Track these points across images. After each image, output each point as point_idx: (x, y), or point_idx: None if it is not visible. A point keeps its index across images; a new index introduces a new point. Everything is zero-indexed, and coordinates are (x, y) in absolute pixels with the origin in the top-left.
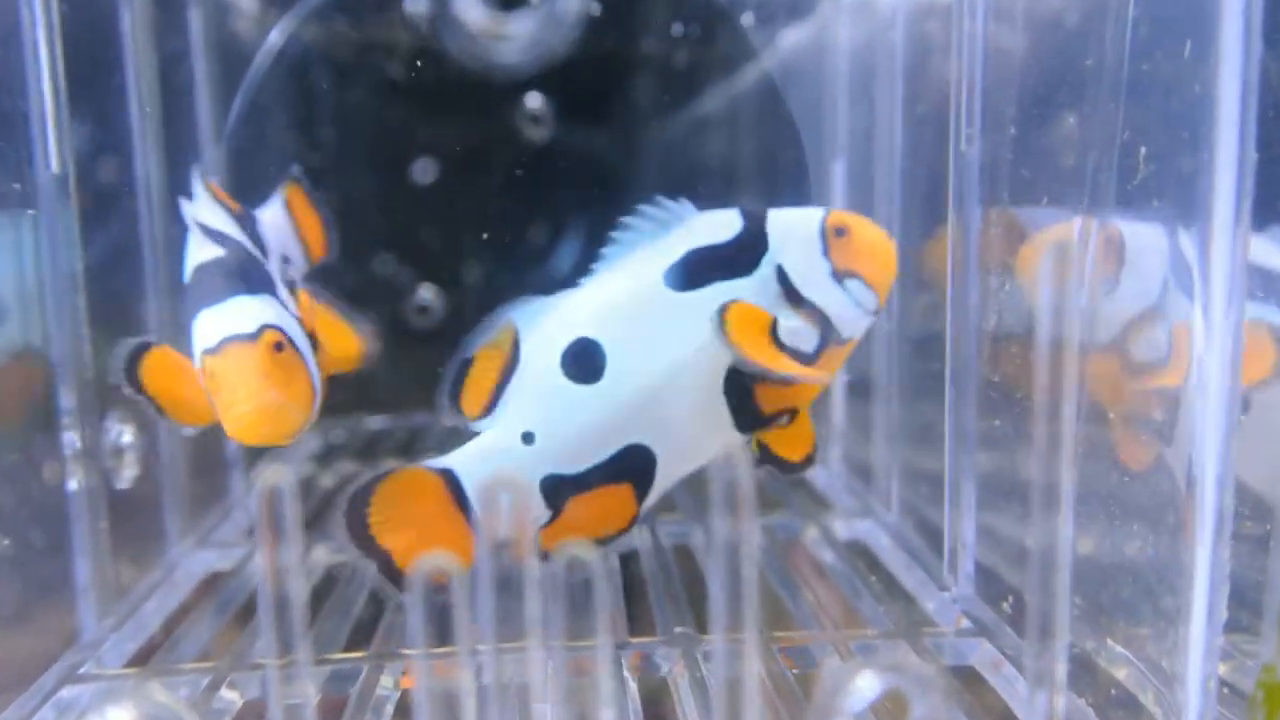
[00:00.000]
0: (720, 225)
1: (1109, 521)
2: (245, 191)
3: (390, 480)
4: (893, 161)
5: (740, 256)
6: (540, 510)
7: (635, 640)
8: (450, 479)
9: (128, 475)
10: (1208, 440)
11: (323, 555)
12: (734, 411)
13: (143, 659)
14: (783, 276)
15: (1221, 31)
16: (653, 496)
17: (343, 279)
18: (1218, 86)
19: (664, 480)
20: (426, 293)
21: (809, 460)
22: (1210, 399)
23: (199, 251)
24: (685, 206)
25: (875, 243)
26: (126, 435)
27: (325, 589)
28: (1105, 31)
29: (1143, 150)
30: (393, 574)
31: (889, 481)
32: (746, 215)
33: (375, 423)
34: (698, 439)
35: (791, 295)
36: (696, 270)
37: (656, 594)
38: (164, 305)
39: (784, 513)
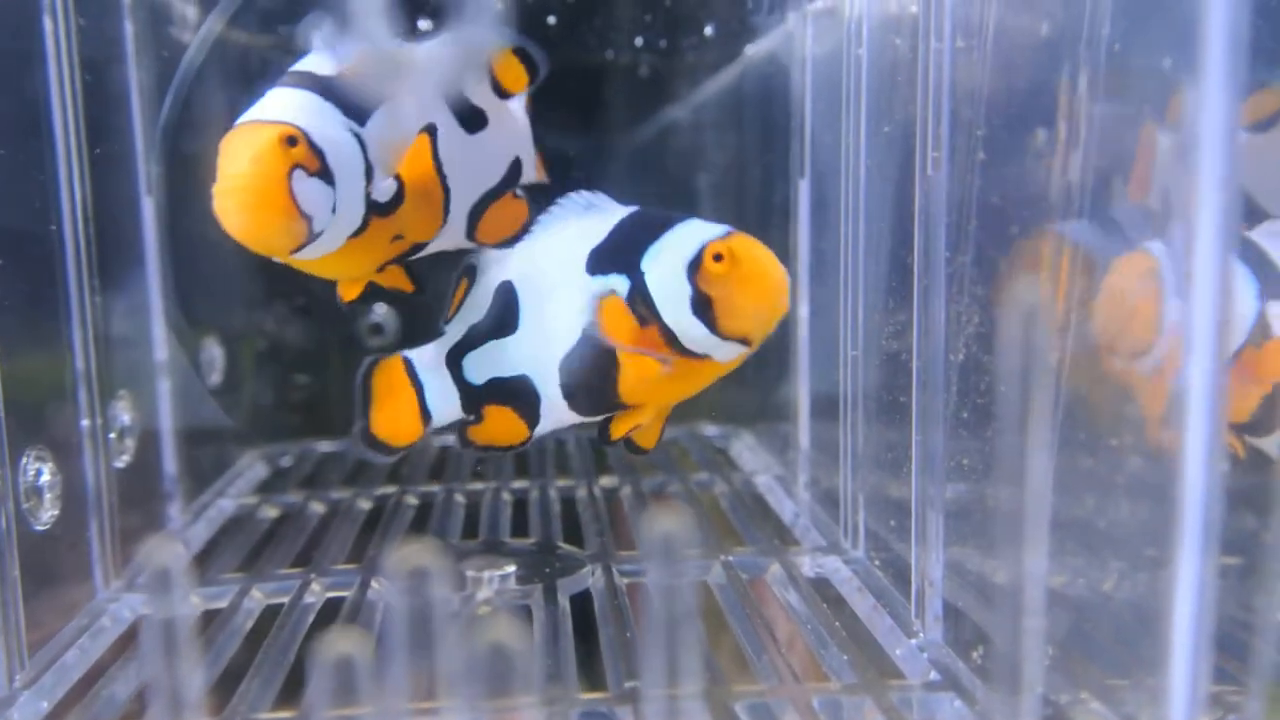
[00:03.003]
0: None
1: (1083, 557)
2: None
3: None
4: (858, 182)
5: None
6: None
7: (585, 697)
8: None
9: (46, 516)
10: (1191, 459)
11: (260, 596)
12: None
13: (60, 716)
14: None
15: (1206, 50)
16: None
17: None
18: (1203, 105)
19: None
20: (379, 313)
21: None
22: (1193, 416)
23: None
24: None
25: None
26: (45, 474)
27: (259, 635)
28: (1079, 50)
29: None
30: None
31: (855, 514)
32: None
33: (324, 446)
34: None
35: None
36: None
37: (609, 641)
38: (87, 330)
39: (748, 549)
